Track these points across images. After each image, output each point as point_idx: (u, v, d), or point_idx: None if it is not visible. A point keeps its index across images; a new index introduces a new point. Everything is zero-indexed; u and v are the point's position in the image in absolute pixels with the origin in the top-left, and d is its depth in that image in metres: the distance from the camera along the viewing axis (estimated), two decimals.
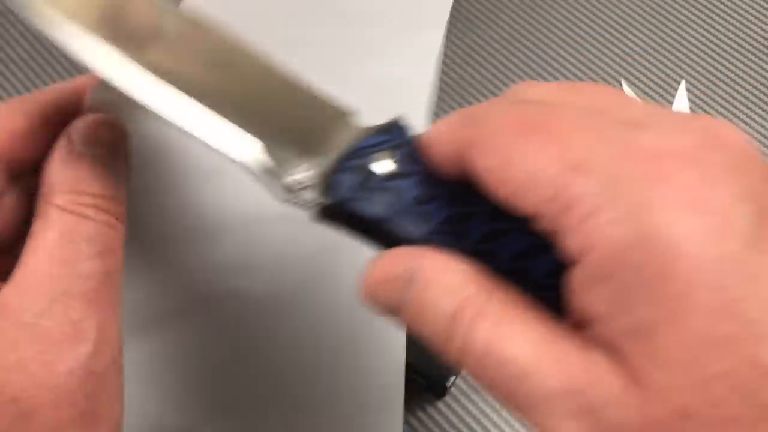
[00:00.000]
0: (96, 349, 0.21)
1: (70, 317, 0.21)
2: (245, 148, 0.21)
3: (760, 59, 0.47)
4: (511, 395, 0.17)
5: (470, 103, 0.44)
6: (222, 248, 0.27)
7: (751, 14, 0.49)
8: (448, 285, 0.18)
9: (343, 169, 0.21)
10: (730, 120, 0.45)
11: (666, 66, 0.47)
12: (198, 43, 0.22)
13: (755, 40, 0.48)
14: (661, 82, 0.46)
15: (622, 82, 0.46)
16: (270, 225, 0.26)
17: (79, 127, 0.23)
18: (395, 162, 0.21)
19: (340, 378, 0.31)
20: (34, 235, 0.22)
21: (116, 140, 0.23)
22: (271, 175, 0.21)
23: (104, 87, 0.22)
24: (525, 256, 0.19)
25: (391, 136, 0.22)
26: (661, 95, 0.45)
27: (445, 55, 0.46)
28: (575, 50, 0.47)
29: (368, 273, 0.20)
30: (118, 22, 0.22)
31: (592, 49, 0.47)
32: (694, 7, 0.49)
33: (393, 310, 0.19)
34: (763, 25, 0.48)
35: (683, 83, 0.46)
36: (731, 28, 0.48)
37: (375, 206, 0.21)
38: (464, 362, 0.17)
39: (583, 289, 0.16)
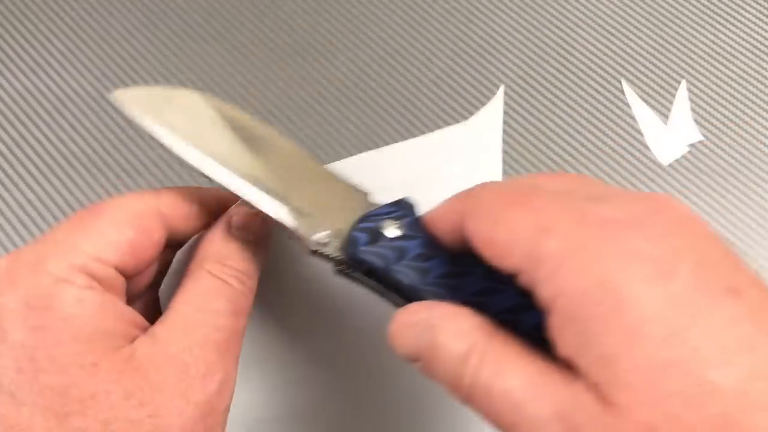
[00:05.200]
0: (220, 390, 0.25)
1: (205, 359, 0.25)
2: (280, 213, 0.28)
3: (761, 59, 0.47)
4: (512, 424, 0.19)
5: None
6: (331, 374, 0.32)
7: (752, 14, 0.48)
8: (458, 330, 0.21)
9: (357, 229, 0.26)
10: (731, 119, 0.44)
11: (666, 66, 0.46)
12: (271, 146, 0.30)
13: (756, 40, 0.48)
14: (661, 82, 0.46)
15: (623, 82, 0.46)
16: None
17: (238, 214, 0.28)
18: (401, 228, 0.26)
19: None
20: (184, 288, 0.26)
21: (262, 231, 0.29)
22: (299, 233, 0.27)
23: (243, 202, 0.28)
24: (513, 311, 0.22)
25: (399, 207, 0.27)
26: (661, 95, 0.45)
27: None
28: (575, 50, 0.47)
29: (393, 321, 0.23)
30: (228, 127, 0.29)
31: (593, 49, 0.47)
32: (695, 6, 0.49)
33: (413, 354, 0.22)
34: (764, 25, 0.48)
35: (683, 83, 0.46)
36: (732, 28, 0.48)
37: (382, 259, 0.25)
38: (472, 397, 0.20)
39: (559, 332, 0.19)
